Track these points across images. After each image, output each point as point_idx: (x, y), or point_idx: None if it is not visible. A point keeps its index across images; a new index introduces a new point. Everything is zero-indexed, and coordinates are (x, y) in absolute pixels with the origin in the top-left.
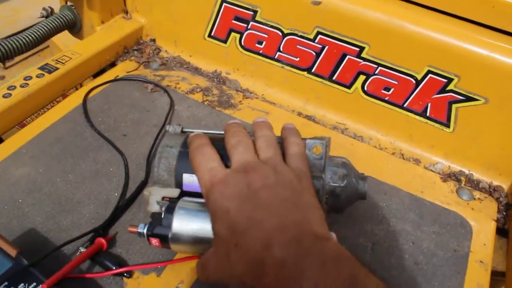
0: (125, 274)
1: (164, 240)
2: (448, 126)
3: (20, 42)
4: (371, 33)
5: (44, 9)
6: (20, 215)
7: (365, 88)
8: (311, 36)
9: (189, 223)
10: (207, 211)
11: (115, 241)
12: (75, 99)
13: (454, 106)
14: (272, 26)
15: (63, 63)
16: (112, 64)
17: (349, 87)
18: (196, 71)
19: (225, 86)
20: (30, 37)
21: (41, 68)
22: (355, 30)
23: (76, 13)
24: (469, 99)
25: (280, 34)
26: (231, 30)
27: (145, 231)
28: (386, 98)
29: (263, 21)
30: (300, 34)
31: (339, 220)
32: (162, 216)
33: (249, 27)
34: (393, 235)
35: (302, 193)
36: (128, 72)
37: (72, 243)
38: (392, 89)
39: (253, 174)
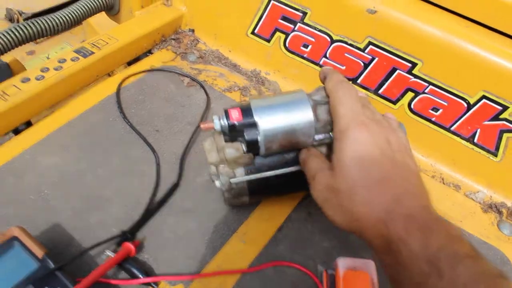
0: (152, 285)
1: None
2: (495, 155)
3: (57, 21)
4: (426, 50)
5: None
6: (46, 208)
7: (412, 106)
8: (362, 46)
9: (275, 118)
10: (282, 102)
11: (143, 246)
12: (108, 87)
13: (505, 135)
14: (320, 30)
15: (99, 47)
16: (148, 52)
17: (394, 102)
18: (234, 67)
19: (263, 87)
20: (67, 16)
21: (76, 51)
22: (410, 45)
23: None
24: None
25: (329, 39)
26: (276, 30)
27: (223, 123)
28: (433, 119)
29: (312, 24)
30: (350, 42)
31: None
32: (239, 121)
33: (296, 28)
34: None
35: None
36: (164, 63)
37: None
38: (440, 110)
39: (391, 132)
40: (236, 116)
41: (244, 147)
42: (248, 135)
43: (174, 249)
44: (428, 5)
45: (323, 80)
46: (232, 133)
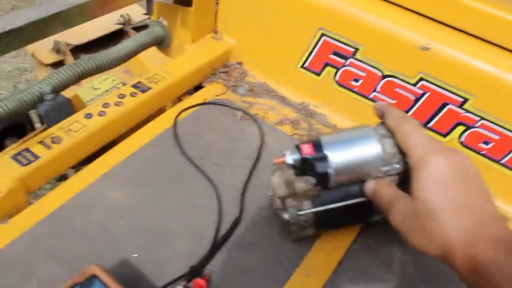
0: None
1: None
2: None
3: (114, 56)
4: (478, 85)
5: (121, 16)
6: (114, 243)
7: (462, 139)
8: (413, 81)
9: (345, 152)
10: (350, 137)
11: (211, 281)
12: (163, 122)
13: None
14: (372, 66)
15: (156, 82)
16: (198, 85)
17: (444, 136)
18: (283, 100)
19: (313, 120)
20: (123, 51)
21: (135, 86)
22: (462, 80)
23: (166, 29)
24: None
25: (380, 74)
26: (326, 64)
27: (296, 157)
28: (483, 152)
29: (364, 59)
30: (401, 77)
31: (435, 279)
32: (312, 155)
33: (347, 63)
34: None
35: None
36: (216, 96)
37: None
38: (491, 144)
39: (465, 158)
40: (308, 150)
41: (314, 180)
42: (319, 168)
43: (241, 284)
44: (480, 41)
45: (380, 115)
46: (303, 167)
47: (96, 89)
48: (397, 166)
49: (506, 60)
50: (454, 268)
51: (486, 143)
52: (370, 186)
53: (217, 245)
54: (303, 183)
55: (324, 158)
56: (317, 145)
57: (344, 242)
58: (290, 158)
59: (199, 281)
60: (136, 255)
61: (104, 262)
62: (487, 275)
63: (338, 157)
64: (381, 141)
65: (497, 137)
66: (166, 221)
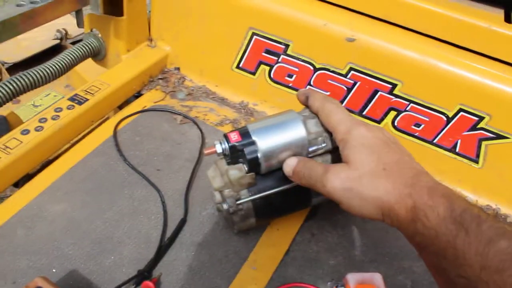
0: None
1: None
2: (477, 162)
3: (47, 71)
4: (404, 71)
5: (58, 31)
6: (60, 255)
7: (395, 124)
8: (344, 72)
9: (272, 136)
10: (276, 122)
11: (160, 283)
12: (104, 131)
13: (484, 143)
14: (303, 60)
15: (92, 93)
16: (138, 94)
17: (379, 122)
18: (223, 101)
19: (253, 118)
20: (56, 66)
21: (71, 99)
22: (389, 68)
23: (101, 41)
24: (499, 137)
25: (312, 68)
26: (260, 63)
27: (224, 146)
28: (416, 134)
29: (295, 55)
30: (332, 69)
31: (377, 259)
32: (239, 141)
33: (279, 60)
34: None
35: None
36: (155, 102)
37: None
38: (422, 125)
39: (383, 129)
40: (235, 137)
41: (246, 167)
42: (249, 153)
43: (190, 283)
44: (401, 29)
45: (304, 100)
46: (233, 154)
47: (37, 106)
48: (323, 144)
49: (427, 46)
50: (397, 223)
51: (417, 125)
52: (290, 166)
53: (164, 248)
54: (236, 171)
55: (252, 144)
56: (245, 133)
57: (289, 232)
58: (219, 147)
59: (147, 283)
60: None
61: (50, 275)
62: (425, 220)
63: (265, 141)
64: (305, 122)
65: (427, 119)
66: (112, 229)
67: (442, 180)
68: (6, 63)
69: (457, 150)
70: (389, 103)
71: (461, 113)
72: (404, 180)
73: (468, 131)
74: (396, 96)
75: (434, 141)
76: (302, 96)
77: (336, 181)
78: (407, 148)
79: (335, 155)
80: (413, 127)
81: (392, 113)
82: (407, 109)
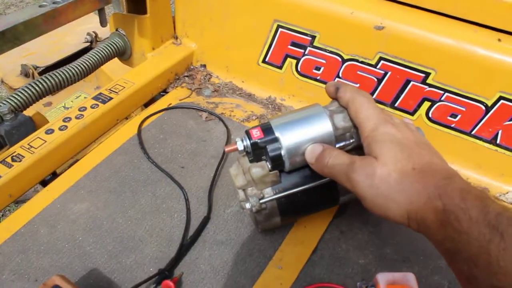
0: None
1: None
2: None
3: (73, 71)
4: (437, 59)
5: (88, 34)
6: (82, 254)
7: (430, 115)
8: (373, 62)
9: (295, 132)
10: (300, 117)
11: (181, 282)
12: (129, 130)
13: None
14: (331, 52)
15: (116, 92)
16: (163, 92)
17: (412, 113)
18: (250, 97)
19: (280, 113)
20: (81, 66)
21: (95, 98)
22: (421, 56)
23: (126, 40)
24: None
25: (340, 59)
26: (287, 56)
27: (245, 143)
28: (453, 125)
29: (322, 46)
30: (361, 59)
31: (411, 258)
32: (261, 138)
33: (306, 52)
34: None
35: None
36: (180, 100)
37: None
38: (459, 116)
39: (414, 126)
40: (257, 134)
41: (269, 164)
42: (271, 150)
43: (213, 282)
44: (432, 14)
45: (334, 92)
46: (256, 152)
47: (67, 108)
48: (351, 140)
49: (461, 31)
50: (424, 228)
51: (454, 116)
52: (313, 150)
53: (186, 246)
54: (259, 169)
55: (275, 140)
56: (267, 129)
57: (317, 230)
58: (240, 144)
59: (168, 282)
60: (76, 268)
61: (72, 273)
62: (456, 224)
63: (289, 137)
64: (332, 117)
65: (463, 109)
66: (134, 228)
67: (483, 175)
68: (38, 67)
69: (498, 141)
70: (423, 93)
71: (502, 101)
72: (434, 182)
73: (510, 120)
74: (430, 85)
75: (473, 132)
76: (331, 87)
77: (362, 175)
78: (443, 140)
79: (359, 154)
80: (449, 118)
81: (426, 104)
82: (442, 98)
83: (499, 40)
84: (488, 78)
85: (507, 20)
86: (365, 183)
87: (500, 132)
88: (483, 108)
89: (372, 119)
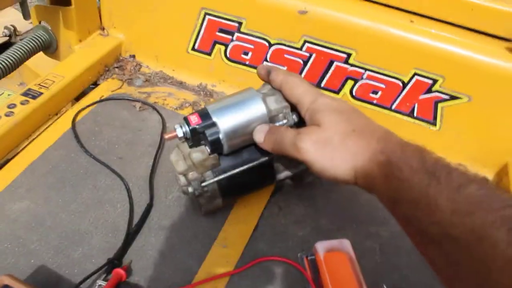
0: None
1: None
2: (434, 124)
3: None
4: (357, 40)
5: (6, 28)
6: (26, 252)
7: (354, 93)
8: (298, 45)
9: (232, 115)
10: (235, 101)
11: (131, 269)
12: (62, 124)
13: (440, 105)
14: (258, 37)
15: (46, 87)
16: (94, 84)
17: (337, 92)
18: (181, 85)
19: (212, 99)
20: (6, 61)
21: (24, 94)
22: (342, 37)
23: (51, 33)
24: (453, 98)
25: (267, 44)
26: (215, 42)
27: (184, 129)
28: (374, 101)
29: (249, 32)
30: (287, 43)
31: (345, 227)
32: (200, 123)
33: (234, 38)
34: (397, 235)
35: None
36: (112, 92)
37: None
38: (380, 92)
39: (343, 100)
40: (195, 120)
41: (208, 148)
42: (210, 135)
43: (161, 266)
44: None
45: (266, 75)
46: (195, 137)
47: None
48: (284, 121)
49: (377, 13)
50: (370, 182)
51: (375, 92)
52: (260, 130)
53: (132, 234)
54: (199, 153)
55: (212, 125)
56: (204, 114)
57: (256, 208)
58: (180, 131)
59: (118, 270)
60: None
61: (18, 272)
62: (398, 173)
63: (226, 121)
64: (265, 100)
65: (383, 86)
66: (78, 221)
67: None
68: None
69: (415, 114)
70: (346, 73)
71: (416, 77)
72: (375, 138)
73: (424, 94)
74: (352, 65)
75: (392, 107)
76: (262, 70)
77: (308, 142)
78: (368, 115)
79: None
80: (371, 94)
81: (350, 83)
82: (364, 77)
83: (412, 21)
84: (403, 56)
85: (419, 3)
86: (312, 148)
87: (416, 105)
88: (401, 84)
89: (309, 94)
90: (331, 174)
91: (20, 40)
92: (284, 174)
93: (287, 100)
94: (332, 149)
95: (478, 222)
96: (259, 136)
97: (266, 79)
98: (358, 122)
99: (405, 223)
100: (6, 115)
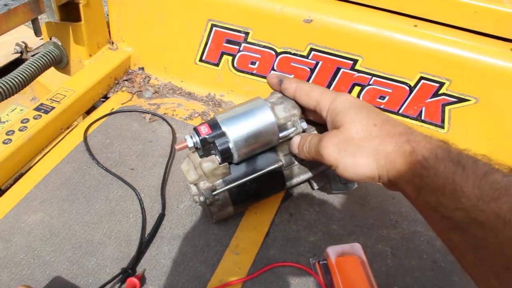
0: None
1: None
2: (442, 127)
3: (10, 84)
4: (362, 46)
5: (17, 44)
6: (41, 263)
7: (361, 98)
8: (305, 53)
9: (241, 125)
10: (244, 110)
11: (145, 278)
12: (74, 138)
13: (447, 108)
14: (264, 46)
15: (58, 101)
16: (104, 98)
17: None
18: (190, 96)
19: (221, 108)
20: (19, 78)
21: (37, 109)
22: (348, 44)
23: (61, 48)
24: (460, 100)
25: (274, 53)
26: (223, 53)
27: (195, 139)
28: (382, 106)
29: (256, 42)
30: (293, 52)
31: (356, 231)
32: (209, 133)
33: (241, 48)
34: (408, 237)
35: None
36: (122, 104)
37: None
38: (387, 97)
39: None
40: (205, 130)
41: (218, 158)
42: (220, 144)
43: (175, 274)
44: (354, 5)
45: (277, 84)
46: (205, 147)
47: (3, 122)
48: (293, 129)
49: (382, 19)
50: (394, 172)
51: (382, 97)
52: (294, 141)
53: (145, 244)
54: (209, 163)
55: (222, 135)
56: (214, 124)
57: (268, 214)
58: (190, 141)
59: (132, 279)
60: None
61: (34, 283)
62: (424, 162)
63: (235, 131)
64: (273, 109)
65: (390, 90)
66: (91, 232)
67: None
68: None
69: (422, 118)
70: (352, 79)
71: (422, 81)
72: (398, 131)
73: (431, 98)
74: (358, 71)
75: (400, 111)
76: (274, 79)
77: (330, 146)
78: None
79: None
80: (378, 100)
81: (357, 88)
82: (370, 83)
83: (415, 26)
84: (408, 61)
85: (422, 7)
86: (334, 151)
87: (423, 109)
88: (407, 88)
89: (327, 93)
90: (354, 173)
91: (31, 56)
92: (294, 180)
93: (301, 107)
94: (354, 148)
95: (504, 207)
96: (294, 148)
97: (278, 87)
98: (379, 116)
99: (428, 211)
100: (20, 129)
